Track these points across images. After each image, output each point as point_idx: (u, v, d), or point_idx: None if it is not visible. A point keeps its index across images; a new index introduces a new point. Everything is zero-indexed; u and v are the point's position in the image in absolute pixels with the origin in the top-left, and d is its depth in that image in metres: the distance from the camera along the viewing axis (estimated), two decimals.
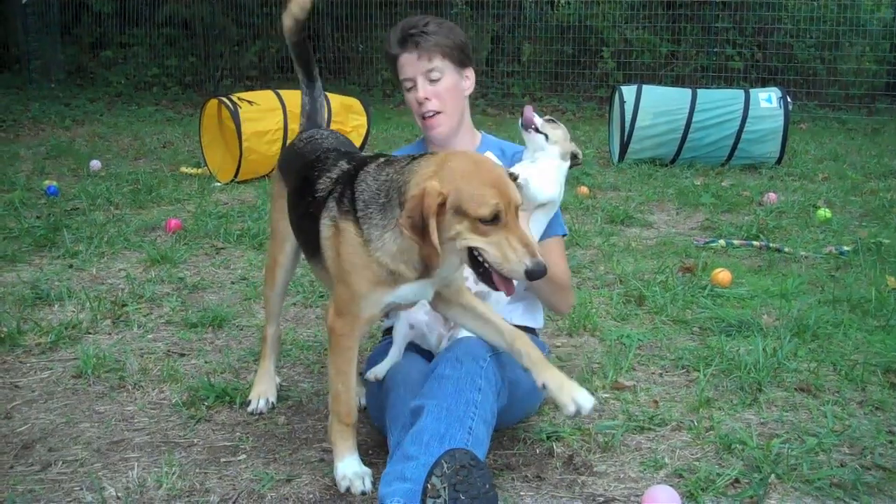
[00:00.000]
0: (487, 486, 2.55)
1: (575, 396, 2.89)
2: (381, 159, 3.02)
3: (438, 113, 3.60)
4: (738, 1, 16.46)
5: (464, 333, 3.29)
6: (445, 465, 2.56)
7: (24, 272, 5.74)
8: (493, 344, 3.07)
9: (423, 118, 3.63)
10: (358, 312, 2.95)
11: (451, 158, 2.74)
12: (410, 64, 3.56)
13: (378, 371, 3.41)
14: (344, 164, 3.13)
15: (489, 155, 3.75)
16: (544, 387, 2.93)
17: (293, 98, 9.27)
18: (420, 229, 2.62)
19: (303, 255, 3.67)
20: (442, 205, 2.62)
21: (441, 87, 3.56)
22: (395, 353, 3.44)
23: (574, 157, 3.62)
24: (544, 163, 3.49)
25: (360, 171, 2.97)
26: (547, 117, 3.56)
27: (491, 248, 2.64)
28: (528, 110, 3.51)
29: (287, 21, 3.54)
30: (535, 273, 2.61)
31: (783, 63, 16.12)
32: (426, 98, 3.57)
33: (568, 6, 17.56)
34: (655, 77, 16.09)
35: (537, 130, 3.48)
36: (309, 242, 3.16)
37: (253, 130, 8.67)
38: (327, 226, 2.99)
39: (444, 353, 3.14)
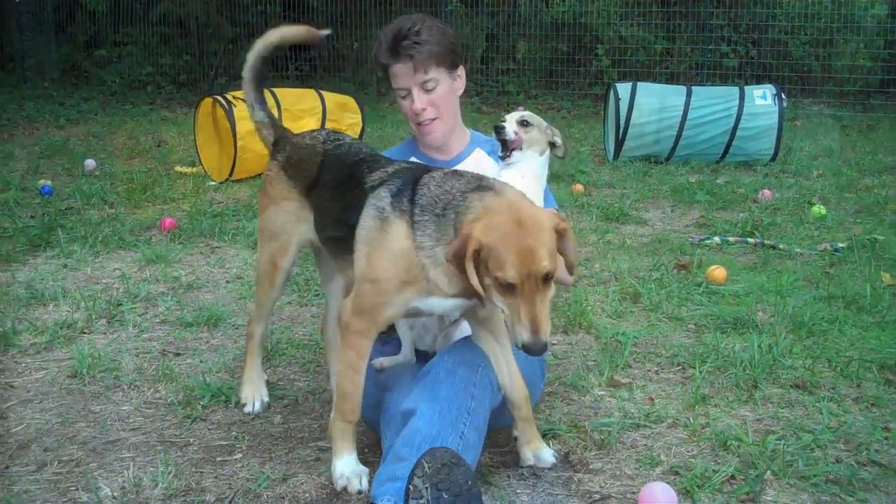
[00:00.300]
0: (470, 482, 2.56)
1: (537, 452, 3.20)
2: (449, 169, 3.00)
3: (435, 119, 3.60)
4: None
5: (458, 335, 3.29)
6: (426, 465, 2.56)
7: (19, 272, 5.73)
8: (498, 380, 3.11)
9: (420, 125, 3.62)
10: (381, 312, 2.93)
11: (501, 209, 2.69)
12: (404, 75, 3.53)
13: (385, 361, 3.43)
14: (403, 164, 3.11)
15: (479, 155, 3.75)
16: (516, 438, 3.21)
17: (288, 96, 9.27)
18: (457, 265, 2.66)
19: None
20: (479, 251, 2.62)
21: (436, 95, 3.56)
22: (406, 353, 3.46)
23: (553, 145, 3.61)
24: (522, 165, 3.50)
25: (425, 175, 2.94)
26: (519, 116, 3.54)
27: (505, 308, 2.66)
28: (516, 139, 3.49)
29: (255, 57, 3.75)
30: (530, 350, 2.61)
31: (777, 60, 16.13)
32: (423, 108, 3.56)
33: (562, 3, 17.53)
34: (650, 74, 16.09)
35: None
36: (341, 239, 3.11)
37: (248, 129, 8.64)
38: (372, 216, 2.93)
39: (440, 355, 3.14)
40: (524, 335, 2.59)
